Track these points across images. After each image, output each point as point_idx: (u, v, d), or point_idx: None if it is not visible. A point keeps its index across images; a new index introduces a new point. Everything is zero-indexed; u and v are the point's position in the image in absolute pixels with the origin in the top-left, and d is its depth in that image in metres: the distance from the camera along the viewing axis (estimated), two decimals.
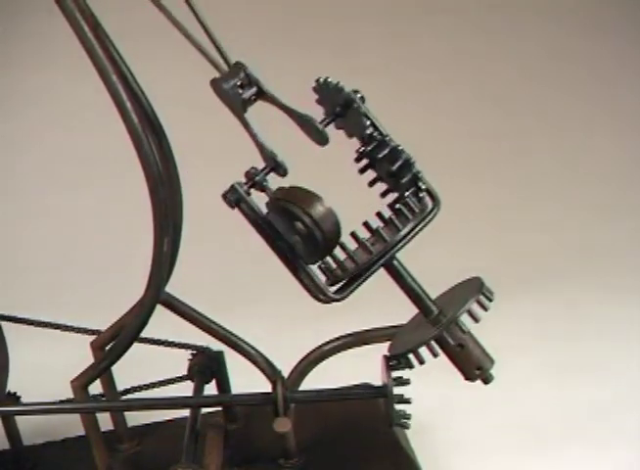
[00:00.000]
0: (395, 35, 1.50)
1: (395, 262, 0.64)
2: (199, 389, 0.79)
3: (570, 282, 1.19)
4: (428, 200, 0.63)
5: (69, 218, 1.39)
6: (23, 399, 0.79)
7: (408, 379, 0.67)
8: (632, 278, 1.19)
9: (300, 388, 0.74)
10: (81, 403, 0.74)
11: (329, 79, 0.63)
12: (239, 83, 0.61)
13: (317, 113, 0.63)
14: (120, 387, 0.81)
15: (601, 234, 1.30)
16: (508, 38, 1.53)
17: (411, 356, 0.63)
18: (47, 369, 0.99)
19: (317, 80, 0.63)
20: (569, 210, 1.37)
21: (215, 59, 0.61)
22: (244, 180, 0.62)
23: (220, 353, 0.82)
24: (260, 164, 0.62)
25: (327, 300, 0.63)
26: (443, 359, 0.64)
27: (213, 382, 0.82)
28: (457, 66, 1.51)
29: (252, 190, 0.62)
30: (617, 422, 0.87)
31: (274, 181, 0.63)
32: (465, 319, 0.62)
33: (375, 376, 0.71)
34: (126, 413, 0.82)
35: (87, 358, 0.77)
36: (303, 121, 0.62)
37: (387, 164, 0.62)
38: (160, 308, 0.72)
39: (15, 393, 0.80)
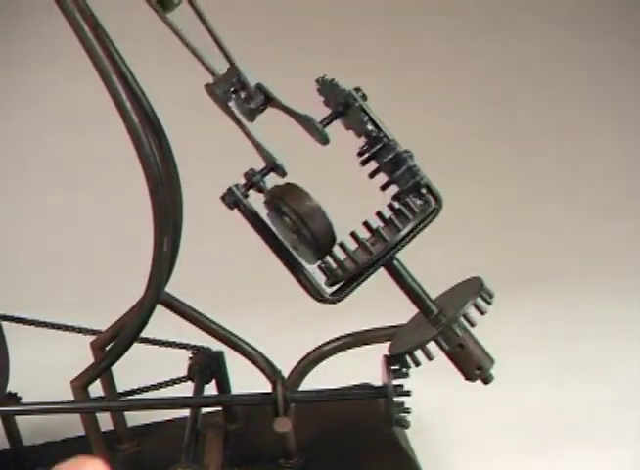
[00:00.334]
0: (395, 35, 1.50)
1: (395, 262, 0.64)
2: (199, 389, 0.78)
3: (570, 282, 1.19)
4: (429, 199, 0.63)
5: (69, 218, 1.39)
6: (24, 400, 0.79)
7: (407, 390, 0.67)
8: (632, 278, 1.19)
9: (300, 388, 0.74)
10: (81, 403, 0.74)
11: (326, 77, 0.63)
12: (232, 89, 0.62)
13: (318, 112, 0.63)
14: (120, 387, 0.81)
15: (601, 234, 1.30)
16: (508, 38, 1.53)
17: (411, 356, 0.63)
18: (47, 369, 0.99)
19: (317, 80, 0.63)
20: (569, 210, 1.37)
21: (209, 63, 0.62)
22: (243, 181, 0.62)
23: (220, 353, 0.82)
24: (261, 164, 0.63)
25: (324, 300, 0.63)
26: (443, 359, 0.64)
27: (213, 382, 0.82)
28: (457, 66, 1.51)
29: (252, 191, 0.62)
30: (617, 422, 0.87)
31: (275, 182, 0.63)
32: (468, 317, 0.62)
33: (375, 376, 0.71)
34: (126, 413, 0.82)
35: (87, 358, 0.77)
36: (304, 121, 0.62)
37: (389, 168, 0.62)
38: (160, 308, 0.72)
39: (15, 393, 0.80)
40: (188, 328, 0.78)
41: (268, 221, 0.63)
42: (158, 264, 0.67)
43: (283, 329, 1.11)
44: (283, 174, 0.62)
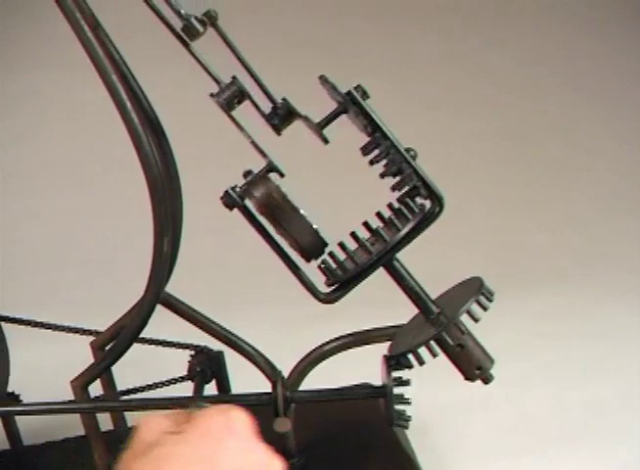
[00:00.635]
0: (395, 35, 1.50)
1: (395, 263, 0.64)
2: (199, 389, 0.78)
3: (570, 282, 1.19)
4: (431, 199, 0.62)
5: (69, 218, 1.39)
6: (23, 399, 0.79)
7: (408, 380, 0.67)
8: (632, 278, 1.19)
9: (300, 388, 0.74)
10: (81, 403, 0.74)
11: (324, 77, 0.63)
12: (234, 98, 0.62)
13: (321, 110, 0.63)
14: (120, 387, 0.81)
15: (601, 234, 1.30)
16: (508, 38, 1.53)
17: (411, 356, 0.63)
18: (47, 369, 0.99)
19: (319, 78, 0.63)
20: (569, 210, 1.37)
21: (215, 73, 0.62)
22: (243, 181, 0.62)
23: (220, 353, 0.82)
24: (260, 164, 0.63)
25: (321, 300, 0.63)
26: (443, 359, 0.64)
27: (213, 382, 0.82)
28: (457, 66, 1.51)
29: None
30: (617, 422, 0.87)
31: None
32: (465, 319, 0.62)
33: (375, 376, 0.71)
34: (126, 413, 0.82)
35: (87, 358, 0.77)
36: (306, 122, 0.62)
37: (390, 168, 0.62)
38: (160, 308, 0.72)
39: (15, 393, 0.80)
40: (188, 328, 0.78)
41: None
42: (158, 264, 0.67)
43: (283, 329, 1.11)
44: (282, 175, 0.62)
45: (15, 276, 1.29)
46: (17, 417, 0.81)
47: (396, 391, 0.67)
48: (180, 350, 0.82)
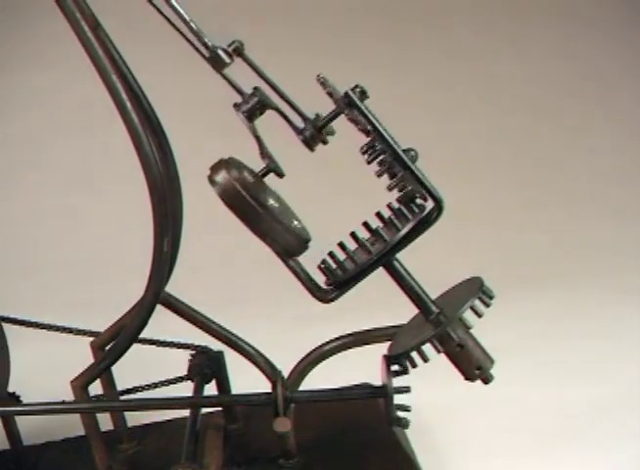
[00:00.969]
0: (395, 35, 1.50)
1: (395, 263, 0.64)
2: (199, 389, 0.78)
3: (570, 282, 1.19)
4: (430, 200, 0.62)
5: (70, 219, 1.39)
6: (23, 399, 0.79)
7: (407, 386, 0.67)
8: (632, 278, 1.19)
9: (300, 388, 0.74)
10: (81, 403, 0.74)
11: (321, 76, 0.63)
12: (255, 109, 0.62)
13: (321, 109, 0.63)
14: (120, 387, 0.81)
15: (601, 234, 1.31)
16: (509, 38, 1.53)
17: (411, 356, 0.63)
18: (47, 369, 0.99)
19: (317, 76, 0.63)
20: (569, 210, 1.37)
21: (238, 85, 0.62)
22: None
23: (220, 353, 0.82)
24: (261, 164, 0.63)
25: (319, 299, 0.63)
26: (443, 359, 0.64)
27: (213, 382, 0.82)
28: (457, 66, 1.51)
29: None
30: (618, 422, 0.87)
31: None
32: (465, 319, 0.62)
33: (375, 376, 0.71)
34: (126, 413, 0.82)
35: (87, 358, 0.77)
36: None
37: (389, 169, 0.62)
38: (160, 308, 0.72)
39: (15, 393, 0.80)
40: (188, 328, 0.78)
41: None
42: (158, 264, 0.67)
43: (283, 329, 1.11)
44: (281, 175, 0.62)
45: (15, 276, 1.29)
46: (17, 417, 0.80)
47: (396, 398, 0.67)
48: (180, 350, 0.82)
